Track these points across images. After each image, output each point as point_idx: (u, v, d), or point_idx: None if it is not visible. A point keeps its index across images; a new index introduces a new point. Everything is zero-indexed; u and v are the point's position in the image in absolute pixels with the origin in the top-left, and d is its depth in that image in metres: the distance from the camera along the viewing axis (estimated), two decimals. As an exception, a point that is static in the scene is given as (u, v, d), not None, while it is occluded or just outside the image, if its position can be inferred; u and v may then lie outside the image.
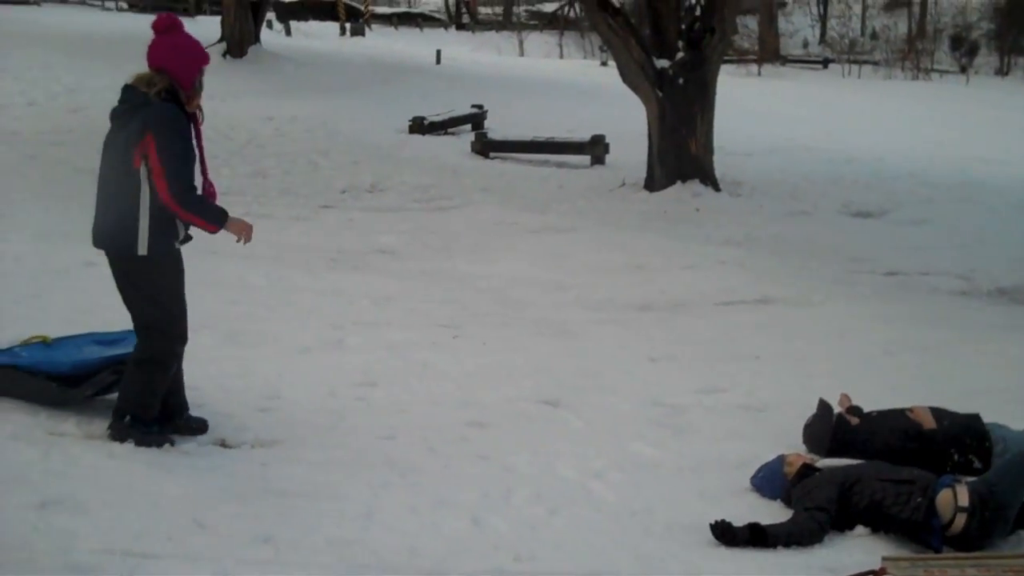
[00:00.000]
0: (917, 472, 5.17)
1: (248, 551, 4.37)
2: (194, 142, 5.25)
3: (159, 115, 5.09)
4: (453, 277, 10.15)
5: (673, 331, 8.78)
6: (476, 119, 21.12)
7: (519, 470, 5.60)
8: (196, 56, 5.28)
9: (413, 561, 4.47)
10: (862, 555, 4.78)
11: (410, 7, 62.94)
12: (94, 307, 7.70)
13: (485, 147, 18.30)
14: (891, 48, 48.45)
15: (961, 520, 4.81)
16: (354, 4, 51.18)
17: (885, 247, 12.56)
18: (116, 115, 5.24)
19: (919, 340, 8.58)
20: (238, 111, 19.34)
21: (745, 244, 12.42)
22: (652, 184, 15.12)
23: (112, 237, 5.22)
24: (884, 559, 4.59)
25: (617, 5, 15.73)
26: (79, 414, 5.58)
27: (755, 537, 4.84)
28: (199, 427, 5.63)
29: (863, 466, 5.35)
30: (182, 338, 5.41)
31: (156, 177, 5.04)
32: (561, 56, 47.30)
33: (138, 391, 5.36)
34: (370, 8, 51.89)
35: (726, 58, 21.17)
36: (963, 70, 46.76)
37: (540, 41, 48.77)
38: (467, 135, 19.62)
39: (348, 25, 44.47)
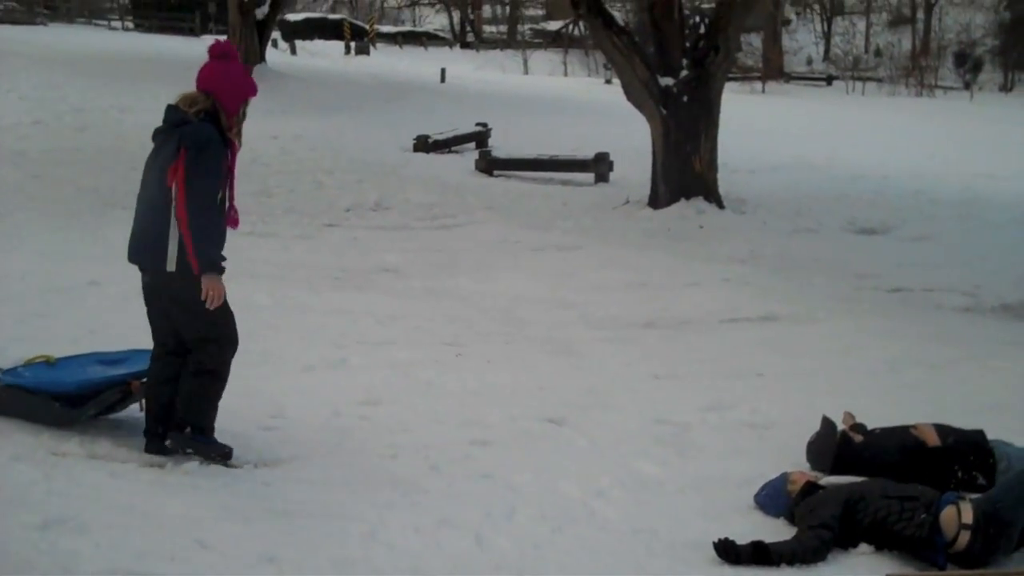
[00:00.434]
0: (921, 489, 5.15)
1: (251, 571, 4.36)
2: (226, 166, 5.30)
3: (194, 133, 5.15)
4: (457, 295, 10.15)
5: (677, 348, 8.77)
6: (480, 137, 21.19)
7: (523, 489, 5.59)
8: (246, 86, 5.39)
9: (416, 580, 4.47)
10: (866, 573, 4.78)
11: (415, 26, 63.17)
12: (98, 326, 7.73)
13: (489, 165, 18.34)
14: (895, 65, 48.62)
15: (965, 537, 4.80)
16: (359, 23, 51.39)
17: (890, 264, 12.55)
18: (156, 134, 5.33)
19: (923, 357, 8.57)
20: (243, 129, 19.40)
21: (749, 261, 12.42)
22: (656, 201, 15.14)
23: (145, 253, 5.27)
24: (888, 577, 4.59)
25: (622, 23, 15.79)
26: (82, 434, 5.58)
27: (758, 555, 4.82)
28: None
29: (867, 483, 5.34)
30: (232, 346, 5.44)
31: (178, 192, 5.08)
32: (565, 74, 47.49)
33: (196, 402, 5.41)
34: (375, 27, 52.10)
35: (730, 76, 21.22)
36: (967, 86, 46.86)
37: (544, 59, 49.00)
38: (471, 153, 19.67)
39: (353, 44, 44.67)
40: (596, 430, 6.61)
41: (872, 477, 5.49)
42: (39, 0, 44.11)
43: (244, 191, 14.85)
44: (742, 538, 4.91)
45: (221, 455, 5.46)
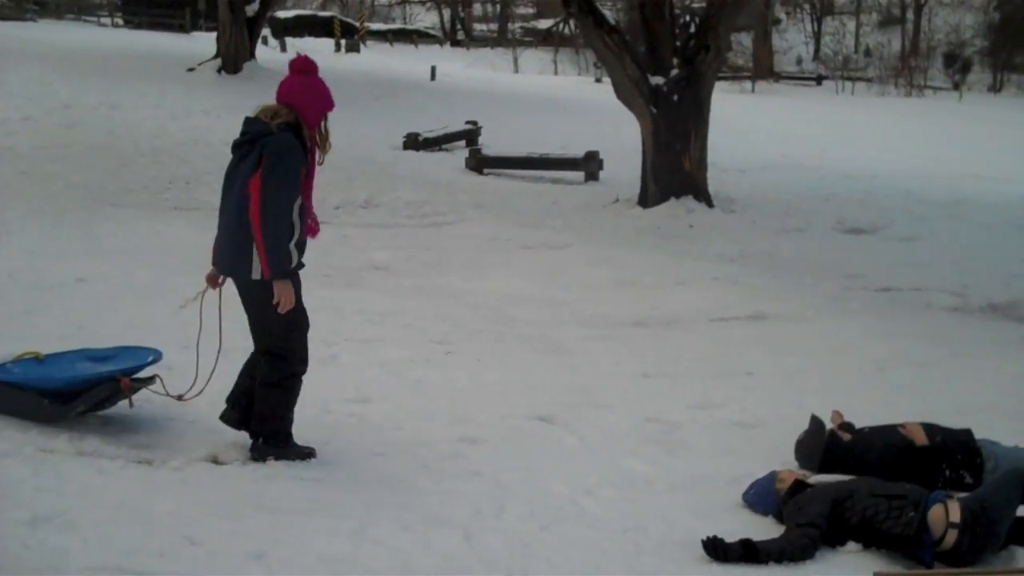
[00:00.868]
0: (909, 487, 5.17)
1: (240, 568, 4.36)
2: (304, 176, 5.40)
3: (276, 143, 5.26)
4: (447, 293, 10.15)
5: (667, 347, 8.79)
6: (470, 135, 21.17)
7: (512, 487, 5.59)
8: (326, 100, 5.50)
9: (405, 578, 4.47)
10: (854, 571, 4.79)
11: (405, 24, 63.06)
12: (87, 323, 7.72)
13: (479, 163, 18.33)
14: (885, 65, 48.70)
15: (952, 536, 4.82)
16: (349, 21, 51.30)
17: (878, 263, 12.58)
18: (237, 145, 5.43)
19: (912, 356, 8.60)
20: (233, 127, 19.16)
21: (739, 260, 12.44)
22: (646, 200, 15.16)
23: (230, 261, 5.41)
24: (876, 575, 4.60)
25: (612, 22, 15.79)
26: (71, 431, 5.57)
27: (747, 553, 4.83)
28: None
29: (855, 482, 5.35)
30: (303, 362, 5.55)
31: (253, 197, 5.18)
32: (556, 73, 47.44)
33: (269, 412, 5.53)
34: (365, 25, 52.02)
35: (720, 75, 21.24)
36: (956, 87, 46.97)
37: (535, 58, 48.97)
38: (461, 151, 19.66)
39: (343, 42, 44.54)
40: (586, 428, 6.62)
41: (860, 476, 5.50)
42: (28, -4, 43.97)
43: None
44: (731, 536, 4.92)
45: (301, 457, 5.58)
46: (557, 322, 9.41)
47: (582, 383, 7.58)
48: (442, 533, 4.90)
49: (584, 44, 35.34)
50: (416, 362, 7.79)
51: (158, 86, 22.39)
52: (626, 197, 15.54)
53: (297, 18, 50.58)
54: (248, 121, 5.44)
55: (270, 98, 5.55)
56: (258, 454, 5.55)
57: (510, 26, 60.57)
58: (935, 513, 4.89)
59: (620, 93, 15.46)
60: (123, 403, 5.82)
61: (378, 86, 26.54)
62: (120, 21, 44.02)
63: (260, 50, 29.08)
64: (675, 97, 14.98)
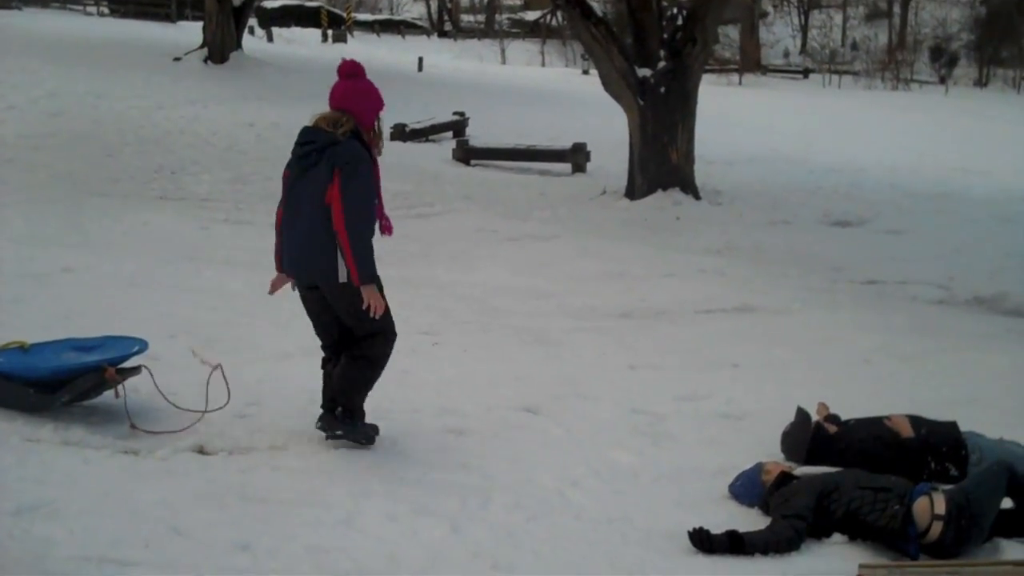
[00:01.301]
0: (894, 480, 5.19)
1: (226, 558, 4.35)
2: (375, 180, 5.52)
3: (347, 152, 5.36)
4: (434, 284, 10.15)
5: (653, 339, 8.80)
6: (458, 126, 21.17)
7: (498, 478, 5.59)
8: (377, 101, 5.62)
9: (392, 569, 4.46)
10: (839, 562, 4.80)
11: (392, 14, 62.89)
12: (72, 313, 7.68)
13: (466, 154, 18.33)
14: (871, 59, 48.83)
15: (937, 528, 4.84)
16: (336, 11, 51.14)
17: (864, 256, 12.62)
18: (302, 155, 5.49)
19: (898, 349, 8.62)
20: (219, 117, 19.32)
21: (725, 252, 12.46)
22: (633, 192, 15.18)
23: (314, 269, 5.49)
24: (861, 566, 4.62)
25: (600, 14, 15.79)
26: (56, 420, 5.55)
27: (733, 545, 4.84)
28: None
29: (841, 474, 5.37)
30: (394, 337, 5.69)
31: (335, 207, 5.29)
32: (543, 64, 47.46)
33: (350, 385, 5.65)
34: (352, 15, 51.87)
35: (707, 68, 21.26)
36: (942, 81, 47.12)
37: (522, 49, 48.96)
38: (448, 142, 19.65)
39: (330, 32, 44.44)
40: (572, 420, 6.62)
41: (846, 468, 5.52)
42: (13, -16, 43.69)
43: (220, 178, 14.95)
44: (717, 528, 4.93)
45: (366, 438, 5.74)
46: (544, 313, 9.41)
47: (568, 374, 7.59)
48: (428, 524, 4.90)
49: (571, 36, 35.35)
50: (403, 353, 7.70)
51: (144, 75, 22.32)
52: (613, 189, 15.56)
53: (284, 8, 50.34)
54: (309, 131, 5.52)
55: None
56: (328, 427, 5.66)
57: (497, 17, 60.50)
58: (920, 505, 4.91)
59: (607, 85, 15.47)
60: (109, 393, 5.80)
61: (365, 77, 26.42)
62: (106, 10, 43.76)
63: (247, 40, 29.02)
64: (662, 89, 15.00)
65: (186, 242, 10.86)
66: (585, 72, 38.49)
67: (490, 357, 7.92)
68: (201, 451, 5.52)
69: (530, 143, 18.77)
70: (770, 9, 58.59)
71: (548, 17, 47.26)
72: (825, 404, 6.31)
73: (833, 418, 6.16)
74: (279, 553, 4.44)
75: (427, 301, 9.47)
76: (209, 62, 24.83)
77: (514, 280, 10.48)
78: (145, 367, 5.86)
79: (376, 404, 6.55)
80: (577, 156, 18.10)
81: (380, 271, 5.42)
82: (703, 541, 4.85)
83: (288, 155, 5.61)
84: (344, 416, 5.67)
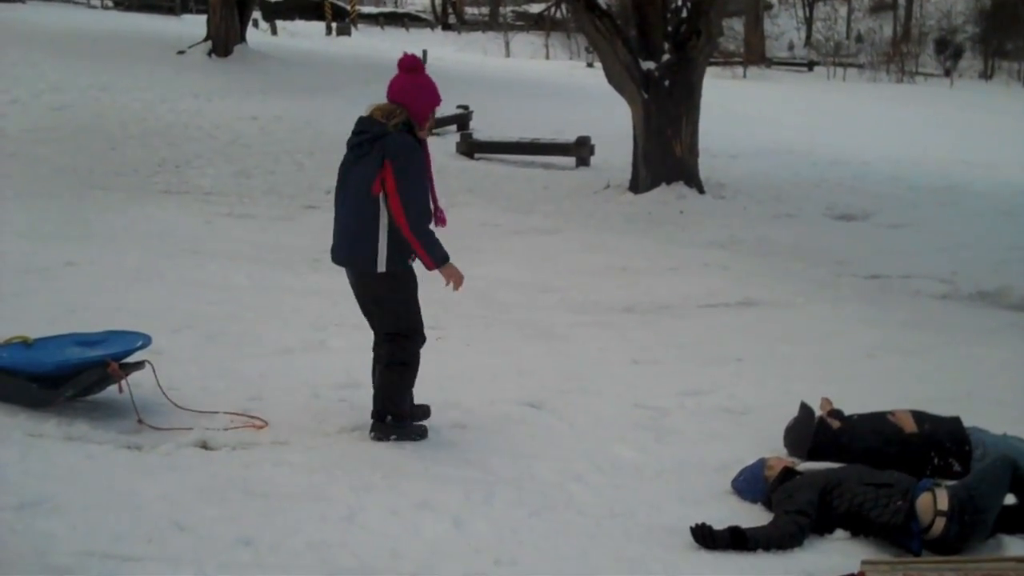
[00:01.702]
0: (897, 475, 5.18)
1: (228, 553, 4.35)
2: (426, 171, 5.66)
3: (398, 144, 5.49)
4: (437, 278, 10.11)
5: (656, 333, 8.79)
6: (462, 120, 21.13)
7: (501, 472, 5.59)
8: (434, 96, 5.75)
9: (395, 564, 4.45)
10: (842, 558, 4.79)
11: (396, 7, 62.91)
12: (76, 307, 7.69)
13: (470, 148, 18.31)
14: (876, 51, 48.74)
15: (940, 524, 4.82)
16: (340, 4, 51.10)
17: (868, 250, 12.60)
18: (354, 145, 5.62)
19: (901, 343, 8.61)
20: (223, 110, 19.32)
21: (729, 246, 12.45)
22: (637, 186, 15.16)
23: (355, 256, 5.66)
24: (863, 562, 4.60)
25: (604, 7, 15.77)
26: (59, 415, 5.55)
27: (735, 540, 4.84)
28: (423, 413, 6.15)
29: (843, 469, 5.36)
30: (420, 338, 5.91)
31: (393, 201, 5.45)
32: (547, 57, 47.41)
33: (392, 391, 5.85)
34: (356, 8, 51.81)
35: (712, 60, 21.23)
36: (947, 73, 47.04)
37: (526, 42, 48.84)
38: (452, 136, 19.62)
39: (334, 25, 44.42)
40: (575, 414, 6.62)
41: (849, 463, 5.51)
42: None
43: (223, 172, 14.95)
44: (719, 523, 4.92)
45: (419, 435, 5.92)
46: (547, 308, 9.40)
47: (571, 369, 7.58)
48: (431, 518, 4.90)
49: (576, 29, 35.28)
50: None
51: (148, 69, 22.32)
52: (617, 183, 15.55)
53: (288, 1, 50.34)
54: (364, 121, 5.63)
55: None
56: (382, 433, 5.81)
57: (501, 10, 60.36)
58: (923, 501, 4.90)
59: (611, 78, 15.45)
60: (112, 388, 5.80)
61: (369, 70, 26.36)
62: (110, 3, 43.80)
63: (251, 33, 29.00)
64: (666, 82, 14.98)
65: (189, 236, 10.86)
66: (589, 65, 38.44)
67: (493, 351, 7.92)
68: (204, 446, 5.52)
69: (534, 136, 18.75)
70: (774, 2, 58.49)
71: (552, 10, 47.19)
72: (828, 399, 6.30)
73: (836, 413, 6.15)
74: (281, 548, 4.44)
75: (430, 295, 9.39)
76: (213, 55, 24.82)
77: (517, 274, 10.47)
78: (148, 362, 5.86)
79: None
80: (581, 150, 18.10)
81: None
82: (706, 536, 4.85)
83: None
84: (395, 422, 5.84)
